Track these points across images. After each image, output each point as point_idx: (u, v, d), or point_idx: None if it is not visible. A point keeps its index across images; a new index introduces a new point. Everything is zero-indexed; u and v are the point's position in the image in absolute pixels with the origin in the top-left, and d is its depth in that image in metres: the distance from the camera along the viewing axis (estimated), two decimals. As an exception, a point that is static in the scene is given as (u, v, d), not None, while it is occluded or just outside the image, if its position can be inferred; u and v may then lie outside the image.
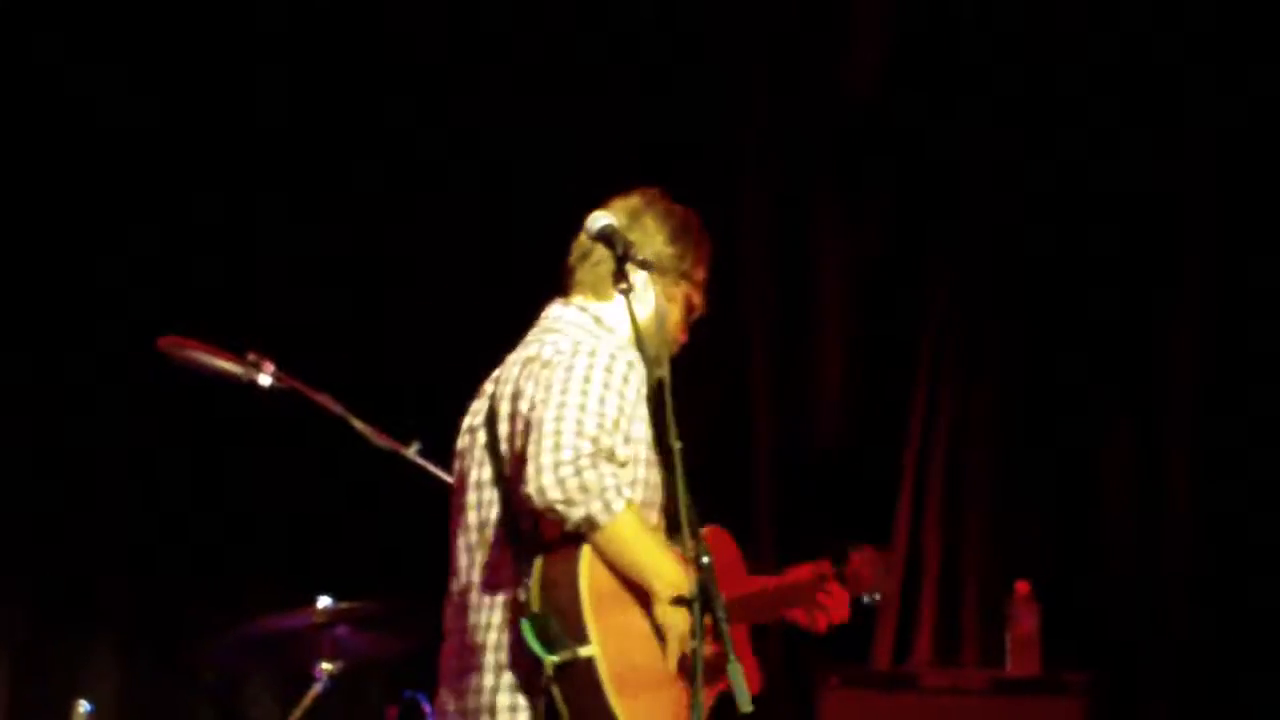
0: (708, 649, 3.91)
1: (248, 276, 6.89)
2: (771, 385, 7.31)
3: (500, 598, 3.91)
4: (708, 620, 3.72)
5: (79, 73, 6.69)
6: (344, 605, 5.14)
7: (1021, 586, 6.58)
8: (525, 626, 3.74)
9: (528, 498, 3.75)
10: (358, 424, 4.73)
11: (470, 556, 4.00)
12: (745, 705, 3.67)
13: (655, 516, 4.03)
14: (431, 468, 4.65)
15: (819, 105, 7.35)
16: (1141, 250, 7.08)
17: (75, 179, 6.68)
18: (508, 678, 3.89)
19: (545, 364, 3.93)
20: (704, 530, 4.03)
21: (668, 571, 3.84)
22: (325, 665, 5.13)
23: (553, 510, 3.73)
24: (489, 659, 3.91)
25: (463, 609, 3.99)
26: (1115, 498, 7.07)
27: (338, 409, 4.73)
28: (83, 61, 6.70)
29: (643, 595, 3.85)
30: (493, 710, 3.89)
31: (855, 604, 4.39)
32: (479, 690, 3.91)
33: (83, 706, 5.53)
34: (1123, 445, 7.09)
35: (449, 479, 4.24)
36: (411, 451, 4.72)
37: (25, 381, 6.59)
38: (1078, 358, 7.11)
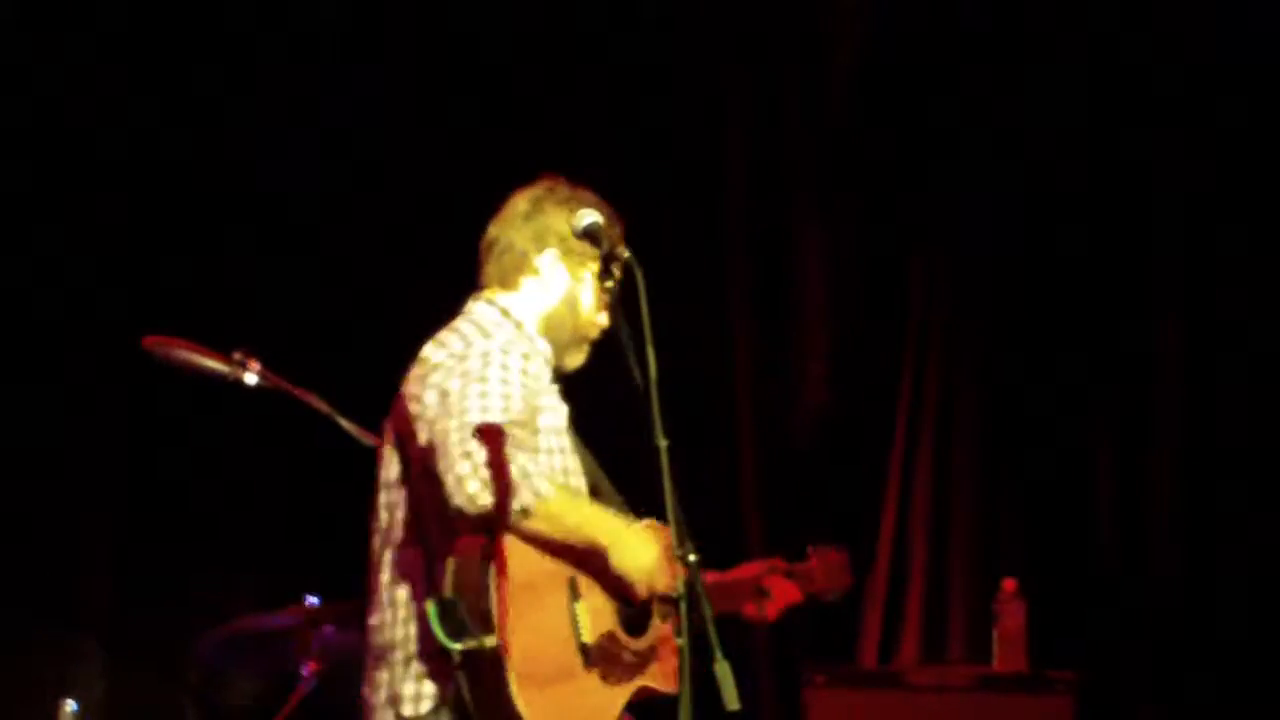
0: (640, 644, 3.96)
1: (231, 275, 6.88)
2: (756, 384, 7.31)
3: (408, 594, 3.94)
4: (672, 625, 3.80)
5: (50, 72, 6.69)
6: (330, 604, 5.13)
7: (1008, 584, 6.58)
8: (431, 611, 3.72)
9: (459, 511, 3.74)
10: (344, 422, 4.74)
11: (380, 555, 4.03)
12: (732, 703, 3.67)
13: None
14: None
15: (797, 104, 7.35)
16: (1128, 249, 7.08)
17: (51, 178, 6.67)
18: (415, 667, 3.91)
19: (435, 367, 3.95)
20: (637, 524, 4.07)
21: (609, 523, 3.90)
22: (312, 664, 5.13)
23: (488, 512, 3.72)
24: (398, 654, 3.94)
25: (376, 606, 4.01)
26: (1102, 495, 7.07)
27: (324, 407, 4.74)
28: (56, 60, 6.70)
29: (558, 584, 3.85)
30: (397, 700, 3.91)
31: (809, 599, 4.38)
32: (389, 682, 3.94)
33: (69, 706, 5.52)
34: (1110, 442, 7.09)
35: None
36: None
37: (10, 380, 6.58)
38: (1064, 356, 7.11)
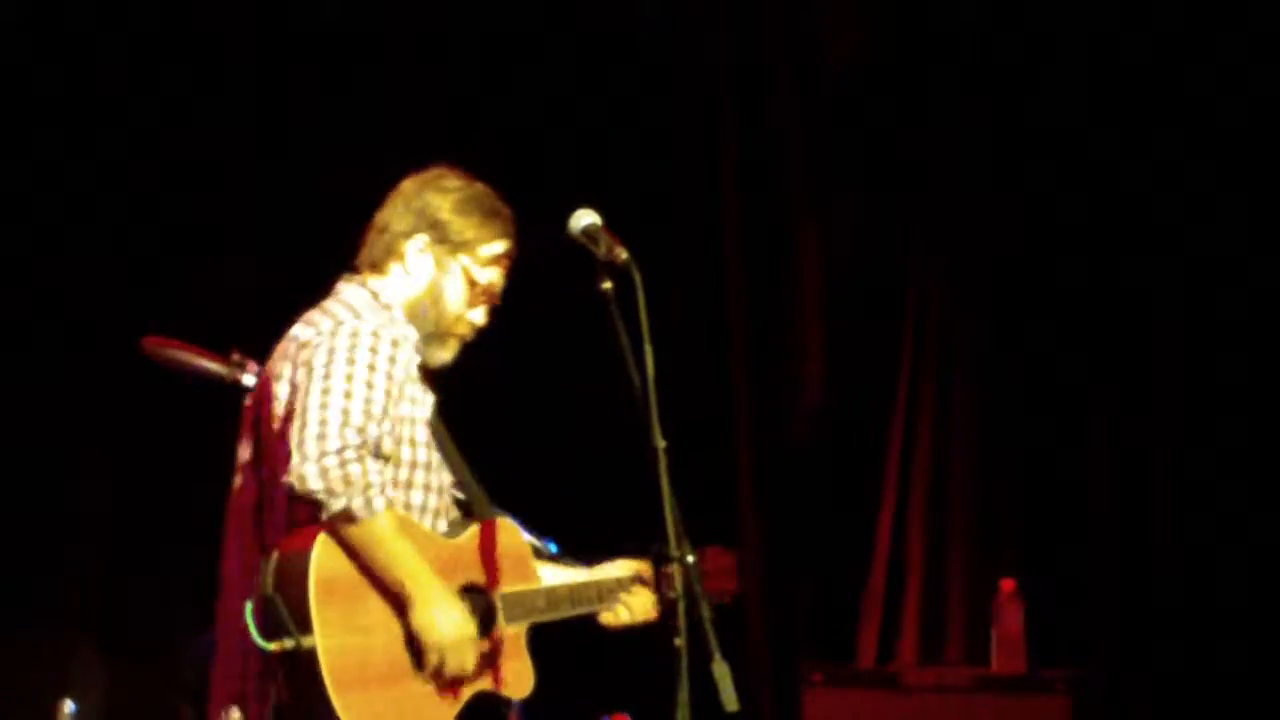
0: (480, 646, 3.86)
1: (231, 276, 6.88)
2: (753, 384, 7.31)
3: (248, 583, 3.85)
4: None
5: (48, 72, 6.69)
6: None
7: (1006, 584, 6.58)
8: (248, 610, 3.67)
9: (289, 485, 3.68)
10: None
11: (229, 541, 3.98)
12: (731, 703, 3.66)
13: (435, 499, 3.99)
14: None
15: (794, 104, 7.35)
16: (1127, 248, 7.08)
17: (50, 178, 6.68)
18: (253, 664, 3.84)
19: (303, 345, 3.87)
20: (494, 520, 4.03)
21: (424, 578, 3.77)
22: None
23: (311, 499, 3.67)
24: (242, 644, 3.85)
25: (223, 593, 3.97)
26: (1101, 495, 7.07)
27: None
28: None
29: (386, 589, 3.76)
30: (243, 698, 3.86)
31: (667, 606, 4.27)
32: (236, 676, 3.89)
33: (67, 706, 5.52)
34: (1108, 443, 7.09)
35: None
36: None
37: (7, 380, 6.58)
38: (1063, 356, 7.11)
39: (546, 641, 4.21)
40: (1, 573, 6.57)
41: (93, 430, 6.76)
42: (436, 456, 4.02)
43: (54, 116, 6.66)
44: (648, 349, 3.81)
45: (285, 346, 3.93)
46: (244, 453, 3.99)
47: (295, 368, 3.84)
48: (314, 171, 6.84)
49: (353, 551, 3.72)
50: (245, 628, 3.79)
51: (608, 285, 3.91)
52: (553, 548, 4.29)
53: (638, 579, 4.29)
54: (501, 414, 7.08)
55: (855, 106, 7.32)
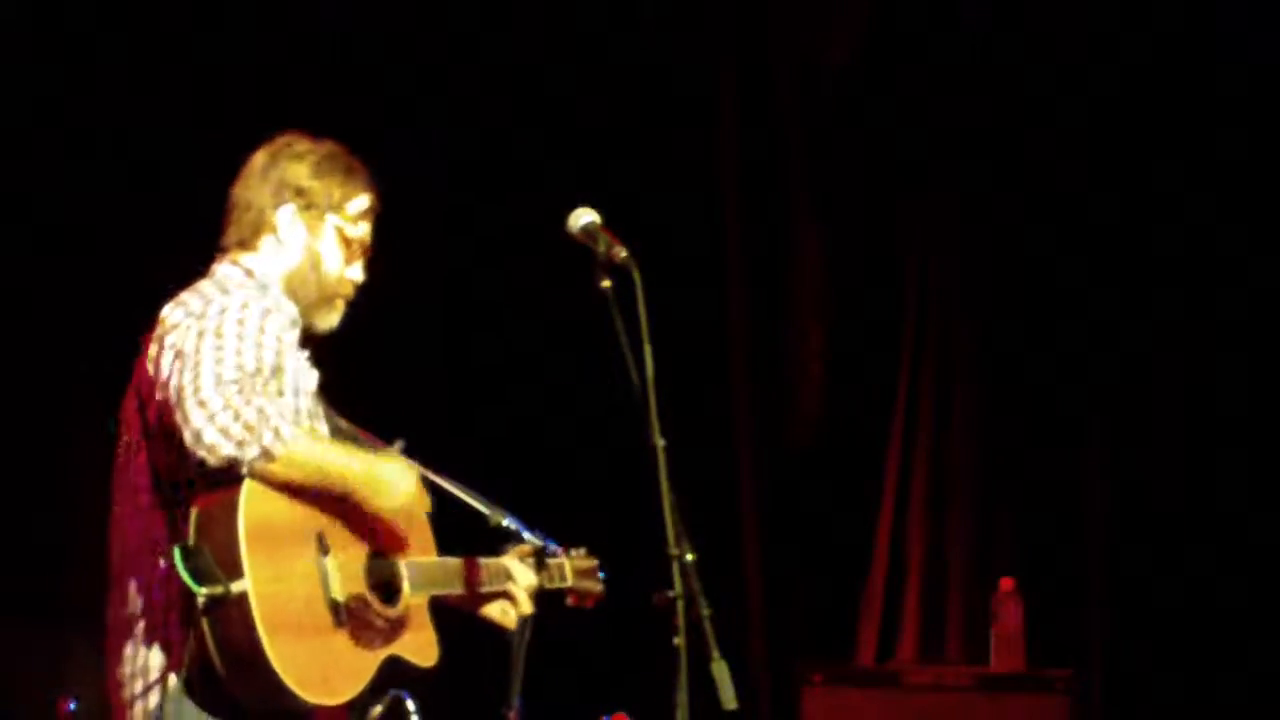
0: (391, 611, 3.83)
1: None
2: (753, 384, 7.32)
3: (150, 562, 3.81)
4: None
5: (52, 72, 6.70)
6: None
7: (1005, 583, 6.59)
8: (177, 555, 3.60)
9: (201, 463, 3.61)
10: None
11: (122, 525, 3.94)
12: (729, 702, 3.65)
13: None
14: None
15: (794, 104, 7.35)
16: (1126, 248, 7.09)
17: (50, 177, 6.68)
18: (139, 626, 3.82)
19: (173, 327, 3.81)
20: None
21: (356, 463, 3.76)
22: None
23: (230, 461, 3.60)
24: (138, 626, 3.85)
25: (115, 577, 3.94)
26: (1100, 494, 7.08)
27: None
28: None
29: (305, 538, 3.71)
30: (120, 660, 3.88)
31: (549, 600, 4.25)
32: (126, 655, 3.88)
33: (68, 706, 5.52)
34: (1108, 441, 7.10)
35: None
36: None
37: (8, 380, 6.58)
38: (1062, 355, 7.12)
39: (546, 641, 4.21)
40: (2, 571, 6.57)
41: (94, 428, 6.75)
42: (324, 428, 3.96)
43: (54, 116, 6.66)
44: (647, 348, 3.81)
45: (158, 328, 3.87)
46: (131, 435, 3.93)
47: (162, 349, 3.79)
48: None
49: (285, 488, 3.67)
50: (133, 612, 3.82)
51: (607, 284, 3.90)
52: (527, 532, 4.24)
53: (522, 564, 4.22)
54: (502, 413, 7.10)
55: (855, 106, 7.32)
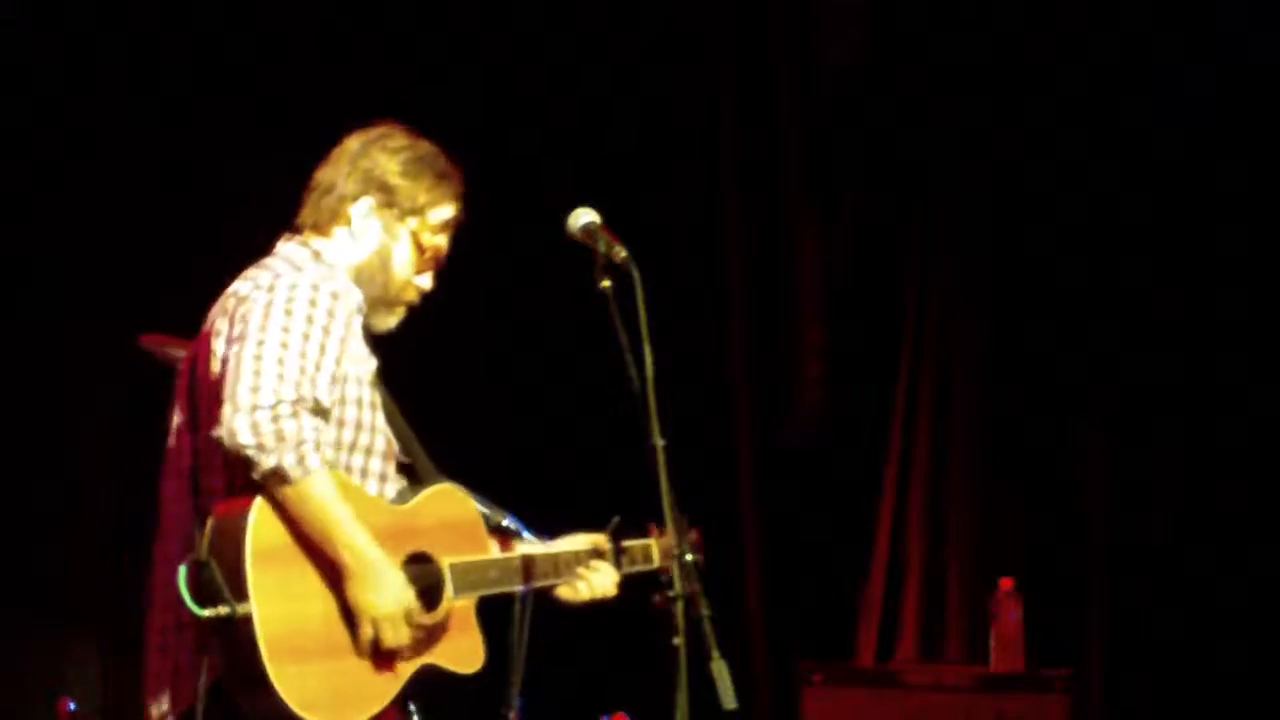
0: (429, 618, 3.75)
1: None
2: (752, 384, 7.32)
3: (180, 552, 3.69)
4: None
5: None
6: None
7: (1005, 583, 6.59)
8: (181, 574, 3.54)
9: (219, 440, 3.54)
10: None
11: (165, 510, 3.84)
12: (729, 702, 3.65)
13: (378, 463, 3.84)
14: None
15: (792, 103, 7.35)
16: (1127, 249, 7.09)
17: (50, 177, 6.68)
18: (188, 636, 3.69)
19: (241, 300, 3.73)
20: (439, 488, 3.90)
21: (359, 545, 3.62)
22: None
23: (242, 455, 3.53)
24: (174, 619, 3.73)
25: (158, 563, 3.82)
26: (1099, 494, 7.08)
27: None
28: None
29: (324, 556, 3.62)
30: (176, 672, 3.72)
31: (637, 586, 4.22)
32: (166, 648, 3.76)
33: (68, 706, 5.52)
34: (1107, 441, 7.10)
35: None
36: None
37: (7, 379, 6.58)
38: (1061, 355, 7.11)
39: (546, 641, 4.21)
40: (2, 571, 6.57)
41: (94, 428, 6.76)
42: (380, 419, 3.88)
43: (54, 116, 6.67)
44: (647, 348, 3.80)
45: (224, 302, 3.80)
46: (177, 416, 3.84)
47: (232, 323, 3.70)
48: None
49: (288, 515, 3.57)
50: (167, 601, 3.70)
51: (607, 284, 3.89)
52: (526, 532, 4.21)
53: (596, 553, 4.17)
54: (501, 413, 7.10)
55: (855, 106, 7.32)
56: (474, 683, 3.88)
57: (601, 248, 3.93)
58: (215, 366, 3.70)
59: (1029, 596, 6.58)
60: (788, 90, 7.36)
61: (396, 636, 3.69)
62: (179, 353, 4.66)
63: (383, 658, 3.71)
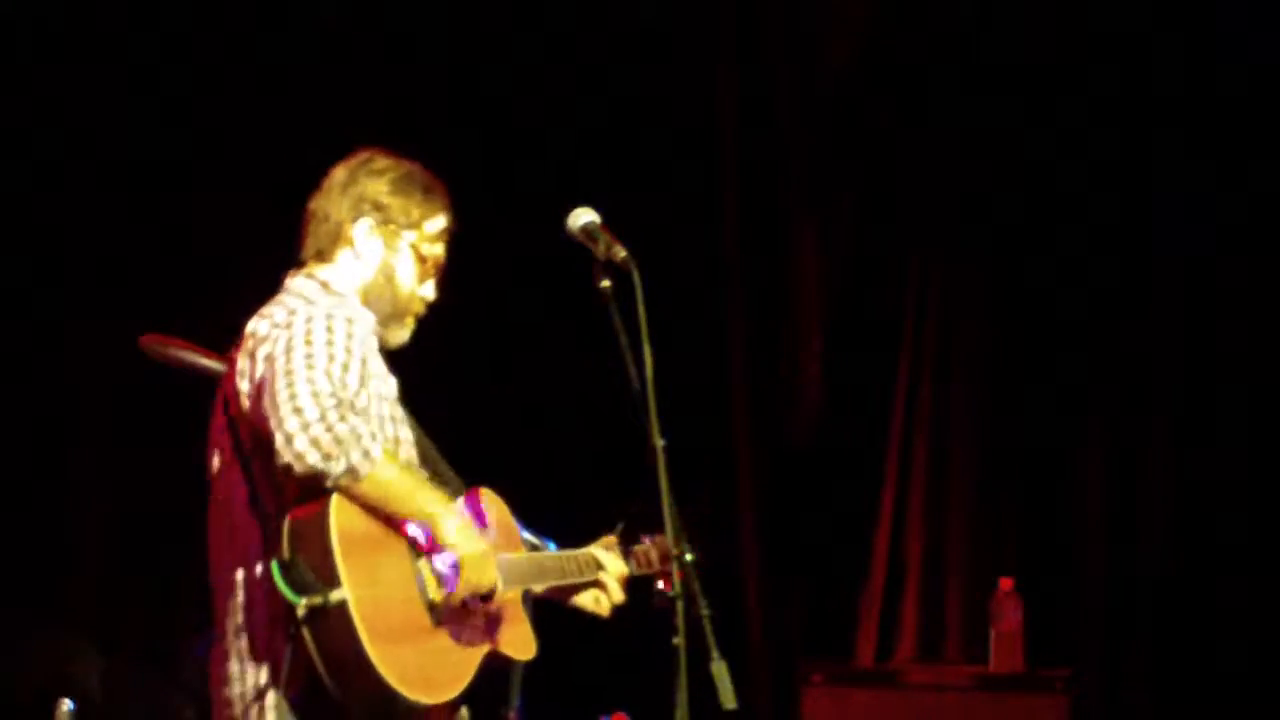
0: (488, 607, 3.87)
1: (230, 274, 6.87)
2: (752, 383, 7.32)
3: (243, 577, 3.85)
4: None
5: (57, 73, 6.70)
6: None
7: (1005, 583, 6.59)
8: (274, 570, 3.65)
9: (287, 469, 3.66)
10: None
11: (218, 545, 3.95)
12: (729, 702, 3.66)
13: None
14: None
15: (793, 103, 7.35)
16: (1127, 249, 7.09)
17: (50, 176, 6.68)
18: (242, 642, 3.84)
19: (260, 340, 3.87)
20: (479, 490, 4.04)
21: (440, 499, 3.80)
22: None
23: (314, 473, 3.65)
24: (229, 637, 3.87)
25: (216, 593, 3.94)
26: (1099, 494, 7.08)
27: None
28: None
29: (399, 541, 3.78)
30: (225, 680, 3.87)
31: (640, 586, 4.27)
32: (232, 674, 3.88)
33: (65, 705, 5.52)
34: (1106, 441, 7.10)
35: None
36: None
37: (7, 379, 6.58)
38: (1061, 355, 7.12)
39: (546, 641, 4.21)
40: (1, 572, 6.57)
41: (93, 427, 6.76)
42: (406, 434, 4.02)
43: (54, 116, 6.67)
44: (646, 347, 3.81)
45: (244, 343, 3.94)
46: (216, 459, 3.97)
47: (254, 362, 3.86)
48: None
49: (367, 506, 3.72)
50: (227, 625, 3.84)
51: (606, 284, 3.91)
52: (551, 545, 4.29)
53: (609, 558, 4.30)
54: (501, 412, 7.09)
55: (855, 106, 7.33)
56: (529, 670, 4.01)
57: (601, 248, 3.95)
58: (245, 404, 3.86)
59: (1029, 596, 6.58)
60: (788, 90, 7.36)
61: (481, 577, 3.81)
62: (180, 353, 4.68)
63: (459, 638, 3.83)
